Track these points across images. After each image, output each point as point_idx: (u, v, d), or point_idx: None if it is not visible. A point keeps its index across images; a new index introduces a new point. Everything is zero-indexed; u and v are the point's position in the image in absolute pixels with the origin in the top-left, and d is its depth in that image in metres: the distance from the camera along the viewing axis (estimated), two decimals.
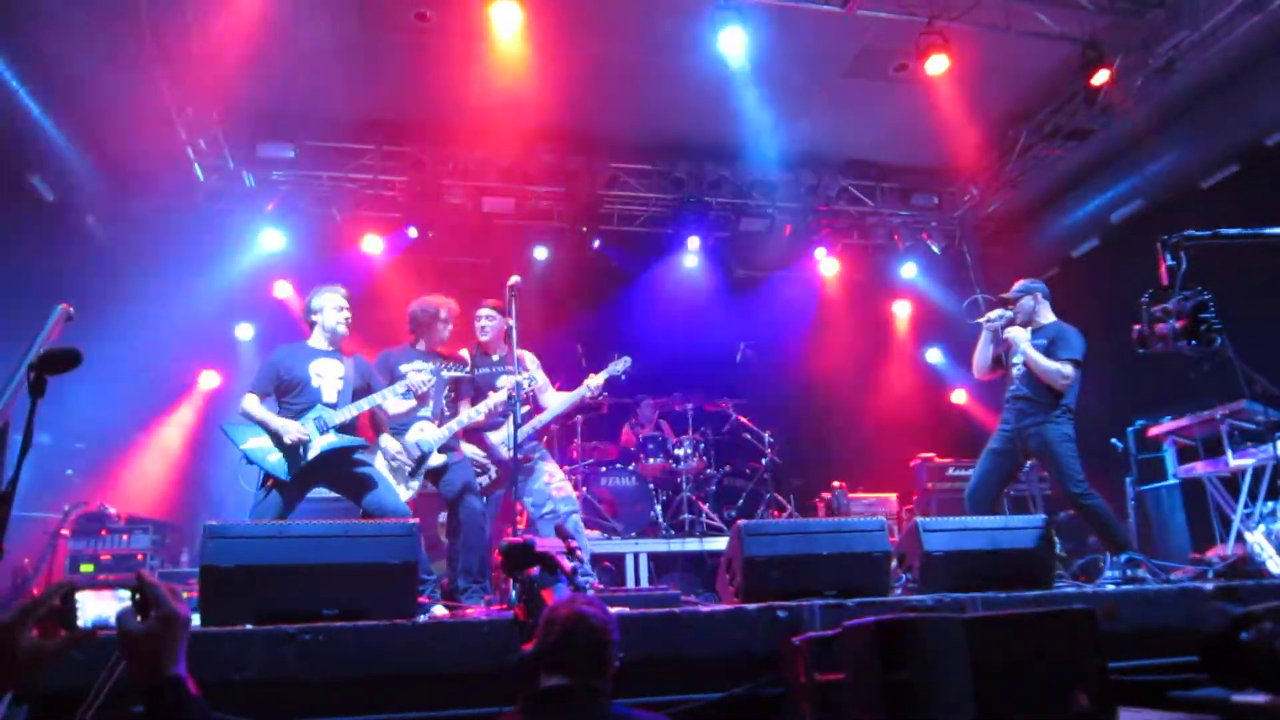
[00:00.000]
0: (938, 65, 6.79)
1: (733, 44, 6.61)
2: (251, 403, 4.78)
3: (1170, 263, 2.93)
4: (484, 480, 5.50)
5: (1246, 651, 1.79)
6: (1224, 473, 6.45)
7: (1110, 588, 4.58)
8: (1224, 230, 3.32)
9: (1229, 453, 6.25)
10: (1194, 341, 2.91)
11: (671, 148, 9.05)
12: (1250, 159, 7.43)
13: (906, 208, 9.92)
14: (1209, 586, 3.97)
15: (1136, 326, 3.12)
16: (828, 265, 10.22)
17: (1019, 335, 5.43)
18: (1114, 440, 7.50)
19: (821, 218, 9.77)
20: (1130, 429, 7.38)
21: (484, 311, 5.69)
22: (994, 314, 5.56)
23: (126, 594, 1.43)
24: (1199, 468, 6.67)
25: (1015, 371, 5.47)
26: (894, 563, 4.37)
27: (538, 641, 2.36)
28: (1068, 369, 5.22)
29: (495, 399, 5.25)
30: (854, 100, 8.24)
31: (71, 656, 1.43)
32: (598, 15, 6.85)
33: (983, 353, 5.68)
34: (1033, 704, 2.59)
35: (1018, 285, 5.62)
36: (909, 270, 10.32)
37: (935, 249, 10.02)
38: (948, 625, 2.57)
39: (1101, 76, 7.12)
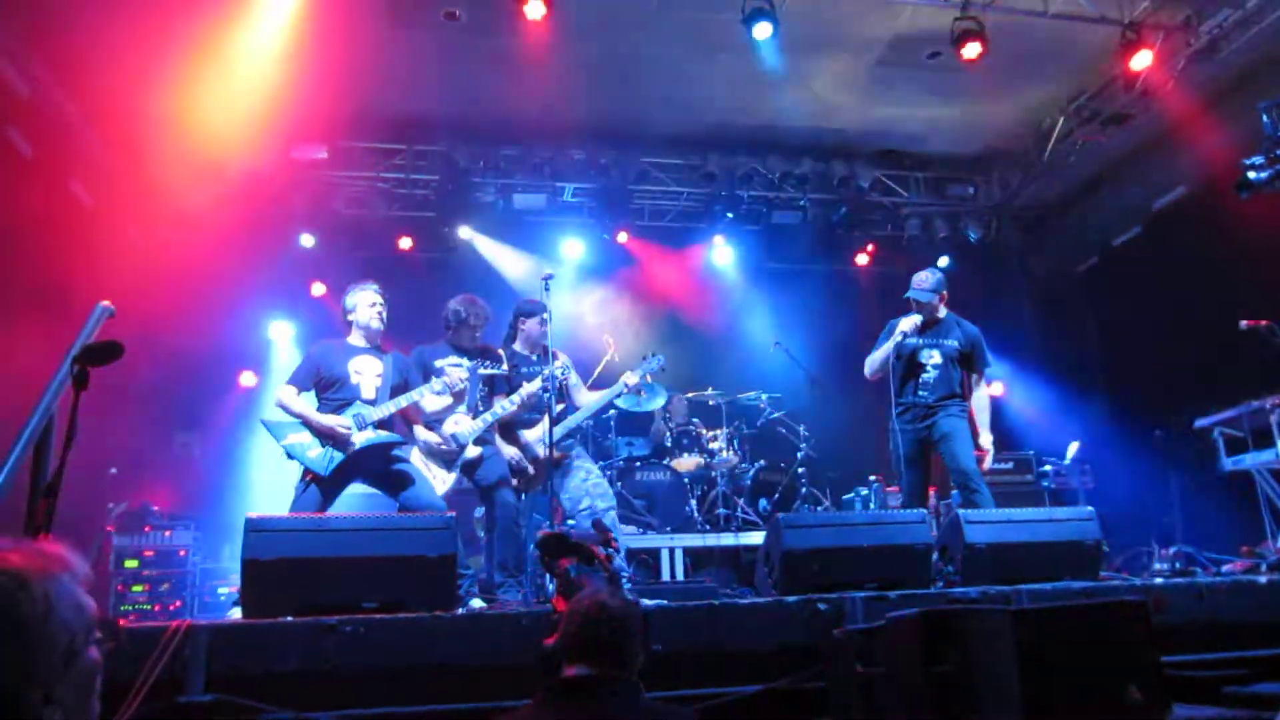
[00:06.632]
0: (972, 51, 6.66)
1: (763, 35, 6.55)
2: (288, 395, 4.76)
3: (1266, 120, 3.19)
4: (529, 472, 5.49)
5: None
6: (1274, 464, 6.28)
7: (1159, 580, 4.49)
8: None
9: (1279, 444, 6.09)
10: None
11: (702, 141, 9.00)
12: None
13: (942, 198, 9.78)
14: (1263, 580, 3.86)
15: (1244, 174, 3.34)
16: (861, 257, 10.11)
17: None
18: (1159, 431, 7.34)
19: (854, 209, 9.66)
20: (1177, 420, 7.21)
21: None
22: None
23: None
24: (1248, 459, 6.50)
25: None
26: (934, 555, 4.31)
27: (561, 632, 2.34)
28: None
29: (528, 389, 5.25)
30: (886, 90, 8.12)
31: (118, 651, 1.43)
32: (627, 8, 6.82)
33: None
34: (1082, 697, 2.53)
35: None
36: (944, 262, 10.16)
37: (972, 239, 9.86)
38: (994, 617, 2.52)
39: (1142, 59, 6.93)
